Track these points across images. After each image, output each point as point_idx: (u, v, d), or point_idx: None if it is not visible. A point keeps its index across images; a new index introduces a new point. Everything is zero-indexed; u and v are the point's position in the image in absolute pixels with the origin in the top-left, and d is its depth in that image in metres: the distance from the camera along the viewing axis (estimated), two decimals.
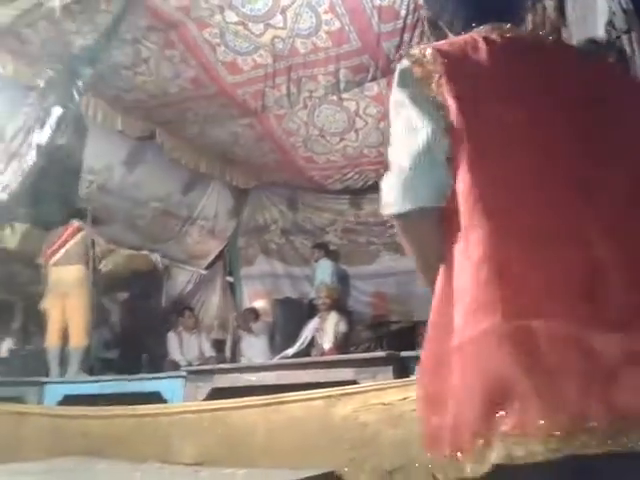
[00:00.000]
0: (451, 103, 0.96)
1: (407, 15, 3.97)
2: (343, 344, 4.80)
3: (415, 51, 1.04)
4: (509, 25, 1.08)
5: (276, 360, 4.51)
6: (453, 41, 1.08)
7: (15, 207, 4.91)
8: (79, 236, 4.86)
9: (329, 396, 2.77)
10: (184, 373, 3.54)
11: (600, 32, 2.34)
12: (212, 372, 3.50)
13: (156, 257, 6.49)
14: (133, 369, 4.49)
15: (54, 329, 4.67)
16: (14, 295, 6.05)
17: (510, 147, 0.95)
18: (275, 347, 5.97)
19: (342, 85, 4.71)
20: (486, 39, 1.04)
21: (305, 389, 2.87)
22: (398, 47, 4.24)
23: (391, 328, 6.09)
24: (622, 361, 0.81)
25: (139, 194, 5.88)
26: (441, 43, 1.07)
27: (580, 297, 0.86)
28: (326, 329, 4.83)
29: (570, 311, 0.85)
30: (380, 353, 3.21)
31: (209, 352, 5.92)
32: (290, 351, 4.72)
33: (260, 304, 6.90)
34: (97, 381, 4.09)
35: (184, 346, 5.77)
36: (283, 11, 4.01)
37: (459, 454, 0.86)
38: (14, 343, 5.97)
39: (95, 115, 4.97)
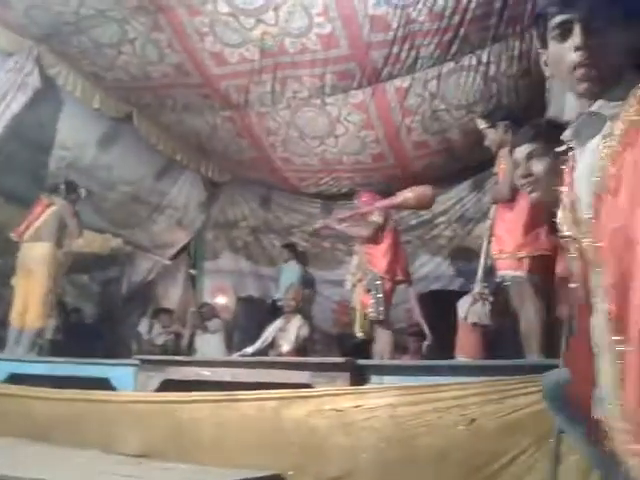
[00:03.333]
0: None
1: (398, 28, 3.99)
2: (302, 348, 4.76)
3: None
4: None
5: (234, 357, 4.44)
6: None
7: None
8: (49, 212, 4.68)
9: (282, 397, 2.75)
10: (137, 361, 3.45)
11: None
12: (166, 363, 3.43)
13: (117, 242, 6.34)
14: (83, 354, 4.36)
15: (18, 307, 4.49)
16: None
17: None
18: (232, 345, 5.90)
19: (327, 89, 4.69)
20: None
21: (259, 389, 2.84)
22: (386, 58, 4.27)
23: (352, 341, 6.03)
24: None
25: (110, 176, 5.74)
26: None
27: None
28: (289, 330, 4.78)
29: None
30: (338, 359, 3.19)
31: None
32: (249, 349, 4.65)
33: (222, 300, 6.81)
34: (46, 362, 3.96)
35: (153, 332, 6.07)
36: (276, 8, 3.99)
37: None
38: None
39: (73, 90, 4.85)
